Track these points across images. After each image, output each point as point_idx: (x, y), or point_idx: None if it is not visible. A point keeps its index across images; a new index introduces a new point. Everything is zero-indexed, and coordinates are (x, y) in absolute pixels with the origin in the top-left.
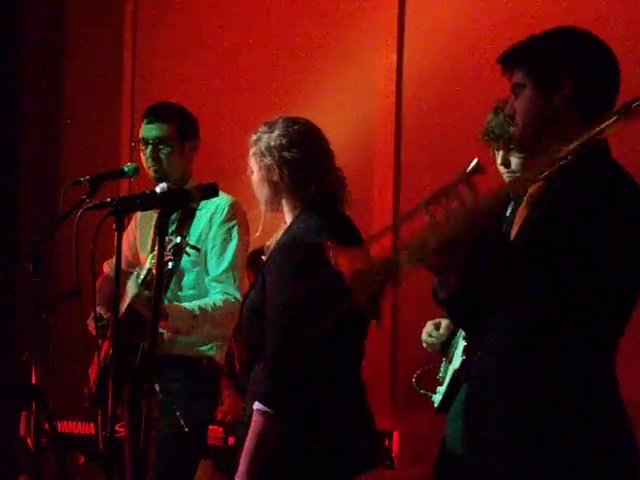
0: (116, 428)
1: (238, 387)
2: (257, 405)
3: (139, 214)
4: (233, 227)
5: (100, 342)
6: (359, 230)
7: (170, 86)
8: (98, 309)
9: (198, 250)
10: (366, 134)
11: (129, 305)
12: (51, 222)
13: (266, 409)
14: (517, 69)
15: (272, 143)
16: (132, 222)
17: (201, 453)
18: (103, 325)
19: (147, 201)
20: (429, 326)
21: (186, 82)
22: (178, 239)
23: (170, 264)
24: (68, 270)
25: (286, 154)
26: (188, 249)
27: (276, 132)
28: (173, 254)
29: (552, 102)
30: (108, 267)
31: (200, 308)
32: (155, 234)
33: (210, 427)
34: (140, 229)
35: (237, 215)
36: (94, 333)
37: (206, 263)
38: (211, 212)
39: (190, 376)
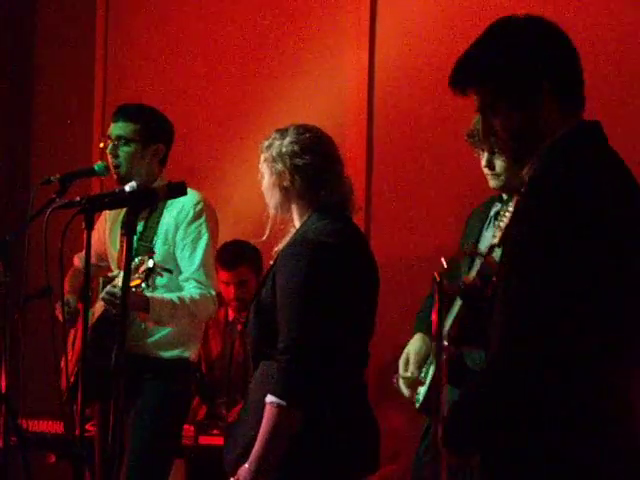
0: (87, 427)
1: (203, 388)
2: (270, 398)
3: (108, 214)
4: (201, 224)
5: (68, 328)
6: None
7: (143, 85)
8: (67, 297)
9: (170, 272)
10: (337, 135)
11: (103, 311)
12: (21, 221)
13: (280, 402)
14: (480, 90)
15: (284, 150)
16: (102, 216)
17: (176, 453)
18: (71, 312)
19: (115, 199)
20: (401, 368)
21: (160, 82)
22: (150, 262)
23: (143, 285)
24: (39, 269)
25: (298, 161)
26: (160, 271)
27: (288, 139)
28: (146, 277)
29: (532, 105)
30: (78, 260)
31: (179, 298)
32: (122, 233)
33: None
34: (110, 223)
35: (205, 210)
36: (61, 318)
37: (177, 263)
38: (177, 211)
39: (165, 377)
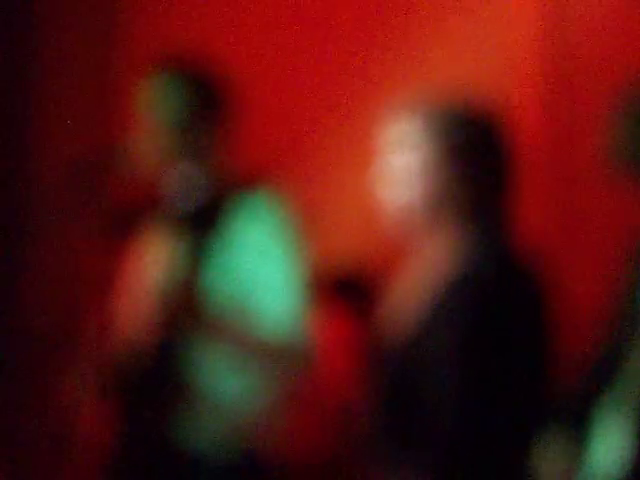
0: None
1: None
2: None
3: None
4: (279, 235)
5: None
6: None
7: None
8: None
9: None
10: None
11: None
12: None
13: None
14: None
15: (455, 123)
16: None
17: None
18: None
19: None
20: None
21: (213, 26)
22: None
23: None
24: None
25: (469, 151)
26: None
27: (459, 112)
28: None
29: None
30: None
31: (245, 336)
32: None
33: None
34: (151, 244)
35: (282, 212)
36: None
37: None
38: (244, 216)
39: None
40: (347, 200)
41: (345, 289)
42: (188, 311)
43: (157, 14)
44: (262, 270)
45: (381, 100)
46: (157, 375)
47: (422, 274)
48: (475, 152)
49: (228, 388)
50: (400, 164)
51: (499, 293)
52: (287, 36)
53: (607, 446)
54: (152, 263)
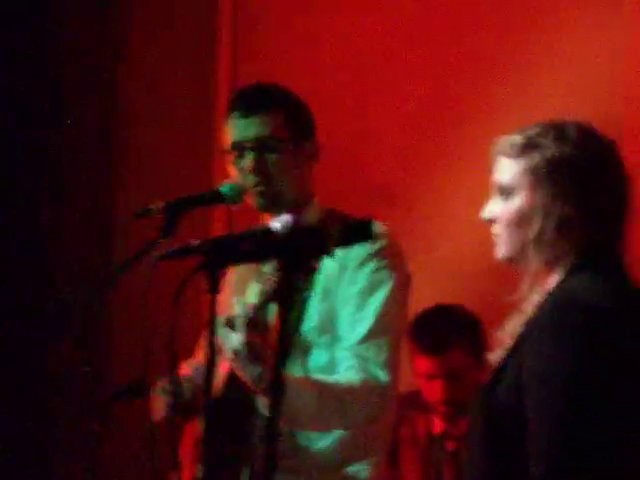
0: None
1: None
2: None
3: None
4: (381, 268)
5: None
6: None
7: (277, 71)
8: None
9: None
10: None
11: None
12: (103, 275)
13: None
14: None
15: (565, 154)
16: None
17: None
18: (181, 403)
19: (259, 247)
20: None
21: (311, 69)
22: None
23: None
24: (129, 349)
25: (585, 178)
26: (314, 303)
27: (570, 142)
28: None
29: None
30: (188, 368)
31: (326, 386)
32: (264, 299)
33: None
34: (237, 283)
35: (389, 251)
36: (158, 415)
37: (338, 328)
38: (344, 250)
39: None
40: (463, 234)
41: (456, 326)
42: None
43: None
44: (363, 307)
45: (494, 137)
46: (245, 428)
47: (536, 308)
48: (593, 187)
49: (321, 440)
50: (512, 207)
51: (619, 325)
52: (404, 74)
53: None
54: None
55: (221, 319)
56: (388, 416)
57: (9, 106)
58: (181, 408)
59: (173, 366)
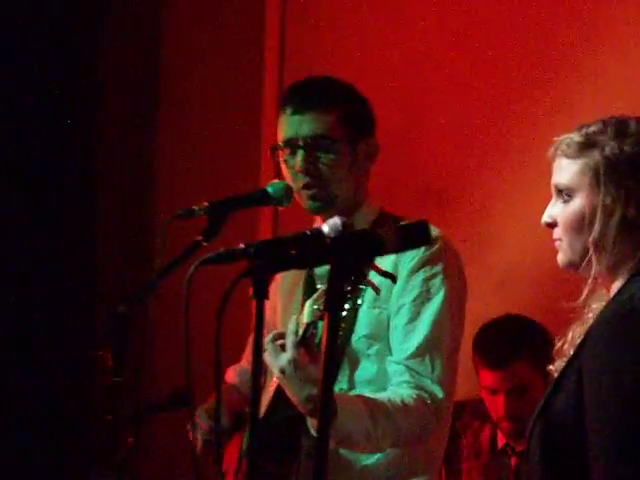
0: None
1: None
2: None
3: (285, 273)
4: (436, 275)
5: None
6: None
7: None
8: (200, 412)
9: (394, 280)
10: None
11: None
12: (142, 280)
13: None
14: None
15: (628, 152)
16: (272, 287)
17: None
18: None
19: (308, 252)
20: None
21: (348, 60)
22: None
23: (346, 307)
24: (170, 359)
25: None
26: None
27: (631, 139)
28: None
29: None
30: (235, 375)
31: (378, 404)
32: (311, 306)
33: None
34: (286, 289)
35: (444, 255)
36: (195, 446)
37: (389, 337)
38: (396, 256)
39: None
40: (521, 238)
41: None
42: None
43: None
44: (416, 317)
45: (554, 136)
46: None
47: (597, 316)
48: None
49: (368, 457)
50: (571, 209)
51: None
52: (459, 69)
53: None
54: (288, 318)
55: (270, 336)
56: (441, 432)
57: (46, 100)
58: (220, 435)
59: (218, 383)
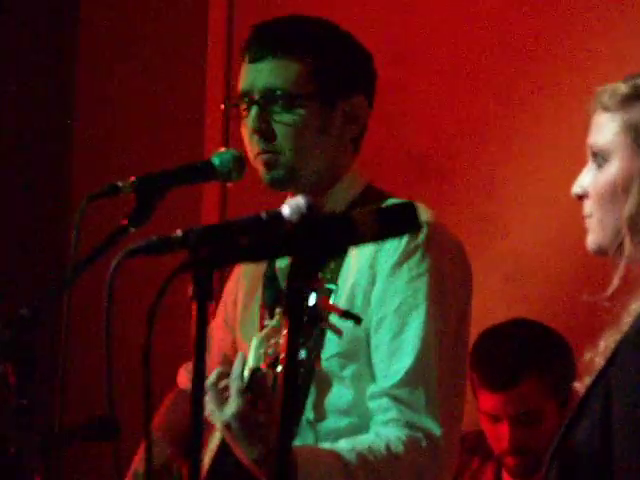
0: None
1: None
2: None
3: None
4: (423, 273)
5: None
6: None
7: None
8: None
9: (357, 321)
10: None
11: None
12: (53, 277)
13: None
14: None
15: None
16: (235, 273)
17: None
18: None
19: (264, 240)
20: None
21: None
22: (312, 297)
23: (302, 352)
24: (89, 377)
25: None
26: (335, 318)
27: None
28: (306, 328)
29: None
30: (187, 376)
31: (359, 456)
32: (269, 306)
33: None
34: (247, 285)
35: (433, 245)
36: None
37: (369, 355)
38: (374, 247)
39: None
40: (537, 221)
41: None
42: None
43: None
44: (401, 331)
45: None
46: None
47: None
48: None
49: None
50: (605, 177)
51: None
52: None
53: None
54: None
55: (212, 377)
56: (444, 476)
57: None
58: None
59: (148, 419)
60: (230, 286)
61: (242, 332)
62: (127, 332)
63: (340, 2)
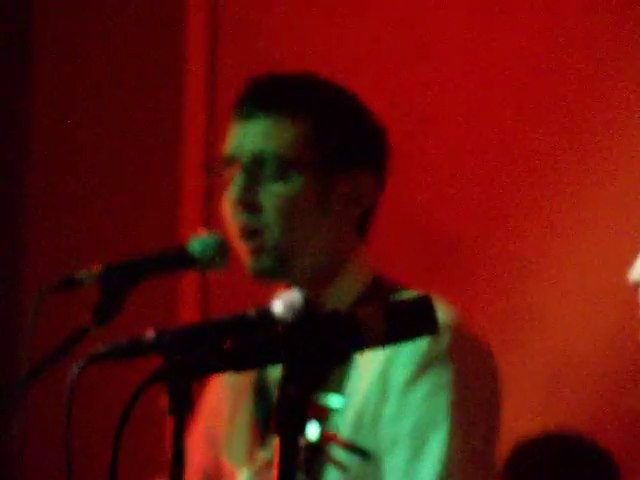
0: None
1: None
2: None
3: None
4: (442, 387)
5: None
6: None
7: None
8: None
9: (365, 456)
10: None
11: None
12: (5, 386)
13: None
14: None
15: None
16: (216, 383)
17: None
18: None
19: (252, 345)
20: None
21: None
22: (315, 430)
23: None
24: None
25: None
26: (339, 451)
27: None
28: (306, 462)
29: None
30: None
31: None
32: (262, 423)
33: None
34: (232, 398)
35: (455, 355)
36: None
37: None
38: (388, 352)
39: None
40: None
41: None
42: None
43: None
44: (419, 455)
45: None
46: None
47: None
48: None
49: None
50: None
51: None
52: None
53: None
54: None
55: None
56: None
57: None
58: None
59: None
60: (210, 392)
61: (228, 451)
62: (91, 449)
63: (347, 61)
